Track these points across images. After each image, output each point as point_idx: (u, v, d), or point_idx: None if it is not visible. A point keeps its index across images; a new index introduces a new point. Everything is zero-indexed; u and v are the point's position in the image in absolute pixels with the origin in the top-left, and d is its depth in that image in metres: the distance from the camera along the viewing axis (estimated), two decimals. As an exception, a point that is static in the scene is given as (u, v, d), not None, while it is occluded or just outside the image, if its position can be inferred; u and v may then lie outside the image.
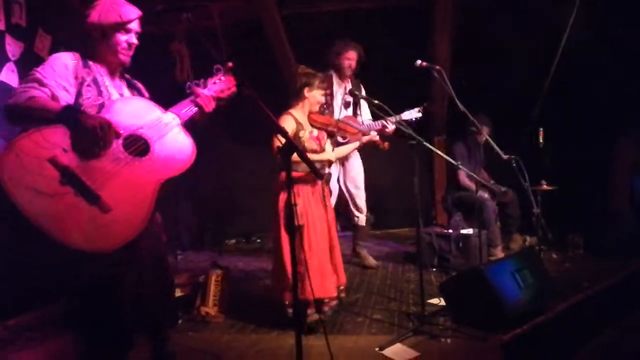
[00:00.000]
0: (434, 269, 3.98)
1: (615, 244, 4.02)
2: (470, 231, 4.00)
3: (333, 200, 3.85)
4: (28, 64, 3.42)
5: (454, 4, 4.44)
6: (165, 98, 2.32)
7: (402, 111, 3.81)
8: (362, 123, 3.89)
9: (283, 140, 1.87)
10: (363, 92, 3.96)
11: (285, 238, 2.76)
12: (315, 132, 2.98)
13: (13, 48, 3.35)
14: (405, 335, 2.62)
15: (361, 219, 4.11)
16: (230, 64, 2.16)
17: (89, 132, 1.77)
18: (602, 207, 4.50)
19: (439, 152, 3.20)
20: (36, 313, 3.10)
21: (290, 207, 1.82)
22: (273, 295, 2.91)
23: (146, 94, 2.22)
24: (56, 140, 1.76)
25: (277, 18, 4.65)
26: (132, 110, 1.99)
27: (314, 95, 2.94)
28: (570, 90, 4.44)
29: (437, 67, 3.26)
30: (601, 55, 4.23)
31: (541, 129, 4.07)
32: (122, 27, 2.00)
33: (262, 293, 3.50)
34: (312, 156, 2.83)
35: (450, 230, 4.10)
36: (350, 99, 3.99)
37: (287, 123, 2.83)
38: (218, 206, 5.54)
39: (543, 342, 2.40)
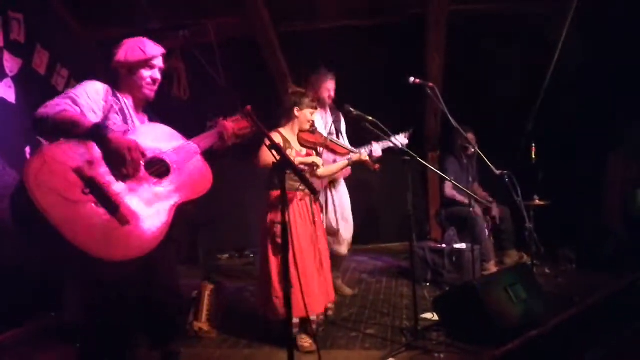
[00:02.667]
0: (428, 284, 3.99)
1: (608, 259, 4.04)
2: (463, 246, 4.02)
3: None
4: (26, 80, 3.46)
5: (447, 20, 4.52)
6: (162, 114, 2.36)
7: (393, 131, 3.79)
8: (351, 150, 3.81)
9: (277, 156, 1.90)
10: (343, 123, 3.91)
11: (272, 256, 2.77)
12: (304, 151, 2.99)
13: (11, 64, 3.38)
14: (399, 350, 2.62)
15: (341, 249, 3.81)
16: (248, 107, 2.27)
17: (117, 152, 1.88)
18: (594, 222, 4.53)
19: (432, 167, 3.23)
20: (26, 327, 3.08)
21: (281, 225, 1.84)
22: (258, 311, 2.91)
23: None
24: (83, 152, 1.87)
25: (273, 35, 4.71)
26: (156, 135, 2.13)
27: (304, 114, 2.96)
28: (562, 105, 4.50)
29: (430, 84, 3.31)
30: (593, 70, 4.30)
31: (533, 144, 4.12)
32: (146, 63, 2.14)
33: (255, 308, 3.49)
34: (297, 158, 2.85)
35: (444, 245, 4.11)
36: (333, 131, 3.84)
37: (275, 139, 2.84)
38: (211, 221, 5.54)
39: (536, 357, 2.40)
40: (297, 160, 2.86)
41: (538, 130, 4.43)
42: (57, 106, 1.91)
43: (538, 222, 3.89)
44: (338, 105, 3.93)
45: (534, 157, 4.10)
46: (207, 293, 3.10)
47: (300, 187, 2.86)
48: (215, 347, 2.87)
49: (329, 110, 3.94)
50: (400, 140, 3.60)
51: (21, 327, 3.06)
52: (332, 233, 3.76)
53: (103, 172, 1.88)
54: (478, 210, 4.30)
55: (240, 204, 5.41)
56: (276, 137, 2.88)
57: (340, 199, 3.84)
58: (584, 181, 4.51)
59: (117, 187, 1.89)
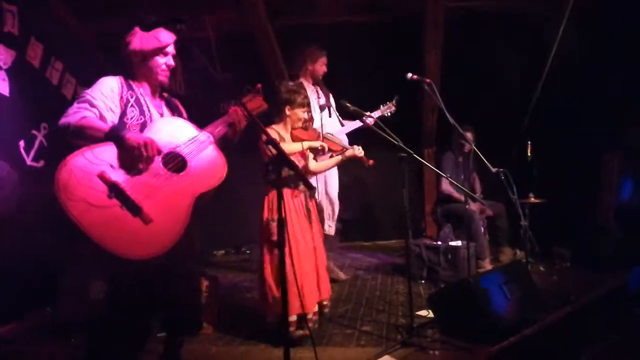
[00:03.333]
0: (423, 281, 4.00)
1: (602, 257, 4.06)
2: (458, 243, 4.03)
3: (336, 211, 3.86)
4: (20, 72, 3.42)
5: (445, 17, 4.52)
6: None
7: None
8: (342, 124, 3.92)
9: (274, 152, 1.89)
10: (332, 100, 4.03)
11: (267, 253, 2.77)
12: None
13: (5, 56, 3.34)
14: (394, 347, 2.62)
15: (332, 228, 4.07)
16: (259, 85, 2.40)
17: (134, 150, 1.96)
18: (589, 220, 4.55)
19: (428, 164, 3.23)
20: (22, 323, 3.07)
21: (278, 221, 1.83)
22: (257, 308, 2.92)
23: (183, 111, 2.38)
24: (105, 157, 1.96)
25: (270, 30, 4.69)
26: (171, 129, 2.17)
27: (296, 113, 2.92)
28: (559, 103, 4.52)
29: (427, 80, 3.31)
30: (589, 68, 4.31)
31: (529, 142, 4.13)
32: (160, 51, 2.19)
33: (251, 304, 3.49)
34: (283, 146, 2.80)
35: (439, 242, 4.12)
36: (324, 102, 3.99)
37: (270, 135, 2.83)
38: (208, 217, 5.52)
39: (530, 354, 2.41)
40: (305, 144, 2.85)
41: (534, 128, 4.43)
42: (76, 114, 2.01)
43: (533, 220, 3.90)
44: (327, 83, 3.96)
45: (529, 154, 4.11)
46: (202, 289, 3.08)
47: (297, 183, 2.84)
48: (210, 343, 2.86)
49: (321, 86, 4.00)
50: (388, 109, 3.68)
51: (17, 323, 3.05)
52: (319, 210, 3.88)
53: (124, 175, 1.96)
54: (474, 206, 4.30)
55: (237, 199, 5.39)
56: (272, 133, 2.85)
57: (332, 180, 4.02)
58: (579, 179, 4.52)
59: (138, 187, 1.96)
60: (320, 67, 3.98)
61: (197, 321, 2.60)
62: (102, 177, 1.90)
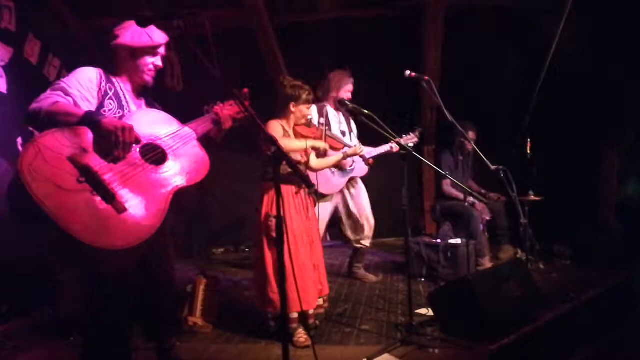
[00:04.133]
0: (423, 279, 3.99)
1: (603, 255, 4.06)
2: (458, 241, 4.02)
3: (325, 219, 3.83)
4: (17, 69, 3.41)
5: (444, 14, 4.50)
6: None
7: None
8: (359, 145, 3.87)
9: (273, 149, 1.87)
10: (353, 125, 3.98)
11: (267, 250, 2.75)
12: None
13: (2, 53, 3.33)
14: (394, 345, 2.61)
15: (365, 244, 4.00)
16: (245, 89, 2.32)
17: (111, 134, 1.83)
18: (589, 217, 4.55)
19: (428, 162, 3.22)
20: (24, 320, 3.06)
21: (277, 218, 1.81)
22: (254, 306, 2.90)
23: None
24: (77, 140, 1.84)
25: (269, 27, 4.67)
26: (151, 121, 2.09)
27: (300, 110, 2.89)
28: (558, 101, 4.50)
29: (426, 77, 3.29)
30: (589, 66, 4.29)
31: (529, 139, 4.12)
32: (151, 50, 2.13)
33: (250, 303, 3.47)
34: (284, 143, 2.77)
35: (439, 240, 4.11)
36: (346, 129, 3.93)
37: (275, 128, 2.81)
38: (206, 215, 5.52)
39: (530, 352, 2.41)
40: (309, 143, 2.84)
41: (534, 126, 4.42)
42: (48, 99, 1.90)
43: (533, 218, 3.89)
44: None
45: (529, 152, 4.10)
46: (201, 287, 3.08)
47: (296, 181, 2.83)
48: (210, 341, 2.85)
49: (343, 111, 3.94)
50: (412, 140, 3.67)
51: (15, 321, 3.03)
52: (356, 228, 3.96)
53: (98, 160, 1.85)
54: (477, 205, 4.29)
55: (235, 197, 5.38)
56: (277, 127, 2.83)
57: (359, 195, 3.97)
58: (579, 177, 4.51)
59: (113, 174, 1.86)
60: (345, 93, 3.85)
61: (173, 323, 2.48)
62: (72, 159, 1.78)
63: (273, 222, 2.68)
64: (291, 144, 2.82)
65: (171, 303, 2.35)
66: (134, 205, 1.86)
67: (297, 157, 2.90)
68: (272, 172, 1.86)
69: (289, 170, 2.70)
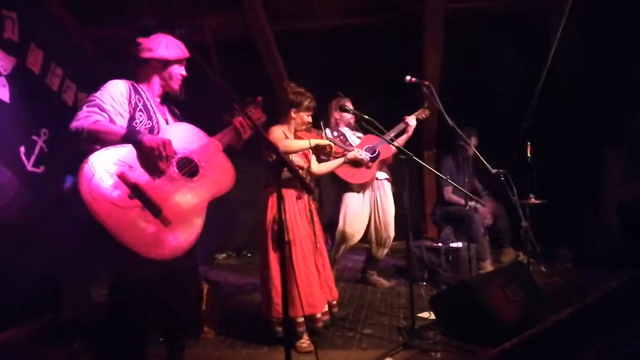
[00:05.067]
0: (424, 283, 3.99)
1: (604, 257, 4.06)
2: (459, 244, 4.02)
3: (363, 227, 3.84)
4: (20, 79, 3.42)
5: (444, 19, 4.52)
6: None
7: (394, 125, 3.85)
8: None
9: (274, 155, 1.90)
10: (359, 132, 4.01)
11: (272, 254, 2.77)
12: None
13: (5, 63, 3.34)
14: (396, 349, 2.62)
15: (383, 252, 4.01)
16: (259, 97, 2.45)
17: (153, 150, 1.98)
18: (590, 220, 4.55)
19: (429, 167, 3.24)
20: (24, 328, 3.07)
21: (278, 223, 1.83)
22: (260, 311, 2.91)
23: (181, 118, 2.40)
24: (123, 158, 1.97)
25: (269, 34, 4.70)
26: (182, 135, 2.20)
27: (301, 116, 2.91)
28: (558, 103, 4.52)
29: (426, 82, 3.32)
30: (589, 68, 4.31)
31: (529, 142, 4.13)
32: (182, 61, 2.25)
33: (253, 308, 3.49)
34: (288, 142, 2.83)
35: (440, 244, 4.12)
36: (360, 134, 3.96)
37: (276, 133, 2.84)
38: (208, 221, 5.52)
39: (533, 355, 2.41)
40: (313, 142, 2.86)
41: (534, 129, 4.43)
42: (87, 118, 1.99)
43: (534, 221, 3.90)
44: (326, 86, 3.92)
45: (529, 155, 4.11)
46: (204, 293, 3.08)
47: (297, 185, 2.85)
48: (213, 347, 2.86)
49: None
50: (421, 112, 3.69)
51: (19, 328, 3.04)
52: (380, 239, 3.94)
53: (144, 176, 1.98)
54: (482, 209, 4.30)
55: (237, 202, 5.39)
56: (278, 132, 2.86)
57: (385, 201, 3.94)
58: (579, 179, 4.52)
59: (157, 189, 1.98)
60: (344, 117, 3.89)
61: (198, 324, 2.60)
62: (122, 177, 1.91)
63: (283, 226, 2.69)
64: (294, 144, 2.86)
65: (196, 303, 2.47)
66: (176, 217, 1.98)
67: (300, 162, 2.92)
68: (274, 178, 1.88)
69: (291, 175, 2.72)
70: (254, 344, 2.86)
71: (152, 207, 1.93)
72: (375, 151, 3.75)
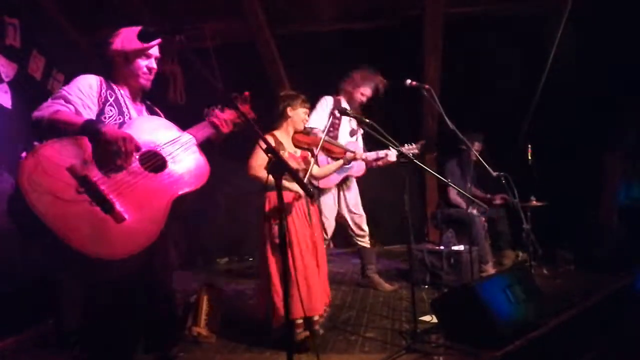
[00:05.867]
0: (426, 286, 3.99)
1: (606, 259, 4.05)
2: (461, 247, 4.02)
3: (332, 224, 3.86)
4: (22, 85, 3.45)
5: (444, 23, 4.54)
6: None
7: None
8: (364, 152, 3.88)
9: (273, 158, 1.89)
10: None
11: (272, 257, 2.77)
12: (298, 152, 3.00)
13: (7, 69, 3.37)
14: (398, 353, 2.61)
15: (362, 242, 4.03)
16: (246, 93, 2.36)
17: (112, 145, 1.86)
18: (591, 222, 4.55)
19: (430, 170, 3.25)
20: (26, 334, 3.07)
21: (279, 225, 1.83)
22: (259, 314, 2.90)
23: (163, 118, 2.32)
24: (77, 151, 1.85)
25: (270, 39, 4.72)
26: (151, 128, 2.09)
27: (298, 114, 2.97)
28: (558, 106, 4.52)
29: (427, 86, 3.32)
30: (588, 70, 4.32)
31: (529, 145, 4.14)
32: (143, 52, 2.13)
33: (254, 312, 3.48)
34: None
35: (442, 247, 4.11)
36: (356, 127, 3.98)
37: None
38: (210, 225, 5.53)
39: (535, 358, 2.40)
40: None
41: (534, 131, 4.44)
42: (49, 107, 1.92)
43: (535, 223, 3.90)
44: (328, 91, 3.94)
45: (530, 157, 4.11)
46: (205, 297, 3.09)
47: (296, 189, 2.86)
48: (214, 351, 2.85)
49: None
50: (413, 150, 3.67)
51: (19, 335, 3.04)
52: (357, 227, 3.99)
53: (97, 170, 1.86)
54: (475, 211, 4.30)
55: (238, 206, 5.40)
56: (269, 140, 2.87)
57: (351, 194, 4.00)
58: (580, 181, 4.52)
59: (112, 184, 1.86)
60: (357, 94, 3.90)
61: (173, 334, 2.45)
62: (71, 170, 1.79)
63: (275, 230, 2.71)
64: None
65: (172, 311, 2.34)
66: (133, 214, 1.85)
67: (293, 165, 2.92)
68: (275, 181, 1.87)
69: (290, 178, 2.73)
70: (256, 348, 2.85)
71: (103, 203, 1.79)
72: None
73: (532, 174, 4.07)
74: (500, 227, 4.56)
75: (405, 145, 3.76)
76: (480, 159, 3.52)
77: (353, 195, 4.02)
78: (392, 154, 3.63)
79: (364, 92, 3.90)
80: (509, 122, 4.69)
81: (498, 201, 4.53)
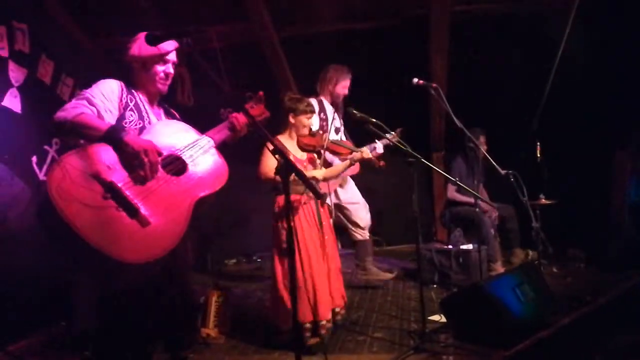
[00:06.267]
0: (435, 285, 3.98)
1: (617, 257, 4.01)
2: (470, 246, 4.00)
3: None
4: (31, 89, 3.48)
5: (449, 21, 4.52)
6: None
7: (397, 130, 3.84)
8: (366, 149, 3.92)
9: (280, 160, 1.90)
10: (341, 120, 4.08)
11: (279, 261, 2.78)
12: (305, 155, 3.01)
13: (16, 74, 3.41)
14: (407, 353, 2.61)
15: (359, 234, 4.09)
16: (260, 92, 2.37)
17: (134, 156, 1.89)
18: (602, 220, 4.50)
19: (437, 168, 3.24)
20: (37, 337, 3.10)
21: (287, 229, 1.84)
22: (269, 316, 2.91)
23: (181, 121, 2.34)
24: (101, 157, 1.89)
25: (276, 40, 4.73)
26: (171, 132, 2.14)
27: (300, 120, 2.97)
28: (567, 104, 4.49)
29: (434, 84, 3.31)
30: (597, 67, 4.28)
31: (538, 143, 4.11)
32: (160, 58, 2.15)
33: (263, 314, 3.49)
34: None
35: (450, 246, 4.10)
36: (340, 125, 4.06)
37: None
38: (219, 226, 5.55)
39: (545, 357, 2.39)
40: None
41: (543, 129, 4.41)
42: (74, 109, 1.94)
43: (545, 222, 3.87)
44: (345, 105, 3.97)
45: (539, 156, 4.09)
46: (214, 299, 3.10)
47: (305, 191, 2.86)
48: (224, 353, 2.87)
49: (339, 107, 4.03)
50: (390, 138, 3.66)
51: (32, 337, 3.07)
52: (353, 223, 4.08)
53: (121, 176, 1.89)
54: (485, 207, 4.28)
55: (247, 208, 5.41)
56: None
57: (346, 191, 4.07)
58: (590, 179, 4.48)
59: (136, 189, 1.90)
60: (339, 89, 3.99)
61: (191, 334, 2.50)
62: (97, 176, 1.83)
63: (283, 233, 2.71)
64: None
65: (190, 312, 2.39)
66: (157, 217, 1.89)
67: (305, 170, 2.93)
68: (282, 184, 1.88)
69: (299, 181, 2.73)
70: (265, 349, 2.86)
71: (128, 207, 1.83)
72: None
73: (542, 172, 4.04)
74: (509, 225, 4.53)
75: (387, 135, 3.76)
76: (488, 157, 3.50)
77: (349, 191, 4.08)
78: (379, 146, 3.73)
79: (345, 85, 4.00)
80: (518, 120, 4.66)
81: (493, 215, 4.47)
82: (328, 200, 3.86)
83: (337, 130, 4.05)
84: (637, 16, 3.96)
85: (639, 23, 3.98)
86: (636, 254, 3.79)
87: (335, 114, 4.00)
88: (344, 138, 4.09)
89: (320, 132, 3.71)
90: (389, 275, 4.05)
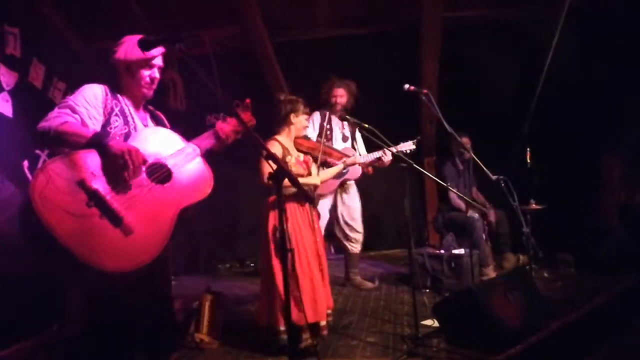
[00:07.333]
0: (427, 290, 3.99)
1: (606, 261, 4.05)
2: (461, 251, 4.02)
3: (322, 225, 3.88)
4: (22, 93, 3.47)
5: (441, 27, 4.56)
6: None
7: (394, 138, 3.86)
8: (360, 155, 4.00)
9: (274, 166, 1.91)
10: (357, 132, 4.15)
11: (276, 263, 2.77)
12: (302, 156, 3.03)
13: (7, 78, 3.39)
14: (400, 357, 2.62)
15: (353, 248, 4.20)
16: (247, 100, 2.36)
17: (118, 158, 1.87)
18: (591, 224, 4.55)
19: (429, 174, 3.26)
20: (27, 342, 3.07)
21: (280, 231, 1.85)
22: (260, 321, 2.89)
23: (168, 125, 2.32)
24: (85, 164, 1.86)
25: (269, 45, 4.75)
26: (157, 139, 2.11)
27: (300, 121, 3.00)
28: (556, 109, 4.54)
29: (425, 90, 3.34)
30: (586, 73, 4.34)
31: (528, 148, 4.15)
32: (145, 63, 2.12)
33: (256, 318, 3.48)
34: (300, 180, 2.87)
35: (442, 251, 4.12)
36: (347, 132, 4.14)
37: (274, 148, 2.87)
38: (212, 230, 5.54)
39: (537, 361, 2.40)
40: (300, 181, 2.89)
41: (533, 134, 4.45)
42: (57, 118, 1.92)
43: (535, 226, 3.90)
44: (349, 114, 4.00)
45: (529, 161, 4.12)
46: (207, 304, 3.09)
47: (299, 194, 2.87)
48: (217, 358, 2.86)
49: (335, 118, 4.08)
50: (408, 146, 3.73)
51: (23, 342, 3.04)
52: (345, 234, 4.18)
53: (106, 184, 1.87)
54: (475, 215, 4.30)
55: (239, 213, 5.41)
56: (275, 146, 2.90)
57: (350, 200, 4.15)
58: (579, 183, 4.53)
59: (121, 197, 1.88)
60: (331, 98, 4.07)
61: (171, 342, 2.42)
62: (82, 184, 1.80)
63: (286, 234, 2.71)
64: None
65: (171, 317, 2.34)
66: (141, 226, 1.87)
67: (299, 171, 2.94)
68: (275, 188, 1.89)
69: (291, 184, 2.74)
70: (258, 354, 2.85)
71: (112, 216, 1.82)
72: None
73: (532, 177, 4.08)
74: (501, 230, 4.56)
75: (400, 143, 3.79)
76: (479, 162, 3.53)
77: (352, 202, 4.14)
78: (387, 155, 3.73)
79: (336, 94, 4.07)
80: (508, 126, 4.70)
81: (492, 218, 4.51)
82: (329, 207, 3.90)
83: (344, 139, 4.13)
84: (625, 22, 4.03)
85: (627, 28, 4.04)
86: (626, 257, 3.84)
87: (344, 124, 4.10)
88: (357, 146, 4.16)
89: (319, 138, 3.79)
90: (370, 285, 4.18)
